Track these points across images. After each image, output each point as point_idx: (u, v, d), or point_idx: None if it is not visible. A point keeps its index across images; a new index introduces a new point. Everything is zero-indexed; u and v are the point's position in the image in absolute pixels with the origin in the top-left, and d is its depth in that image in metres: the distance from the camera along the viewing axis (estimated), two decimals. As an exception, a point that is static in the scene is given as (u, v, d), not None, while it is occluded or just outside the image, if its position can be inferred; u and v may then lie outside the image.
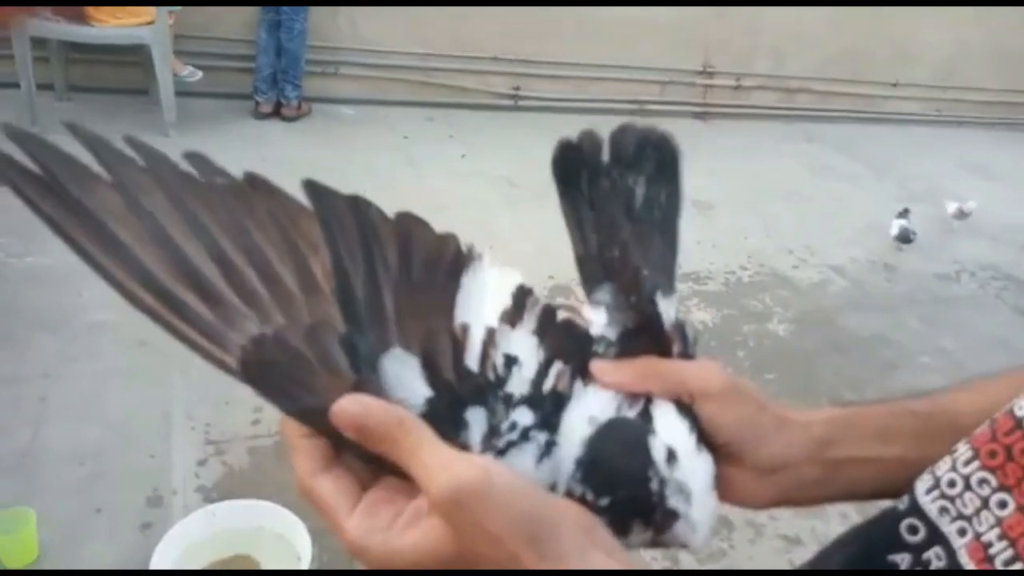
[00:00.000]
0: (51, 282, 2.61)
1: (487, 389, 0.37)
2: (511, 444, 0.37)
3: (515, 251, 3.23)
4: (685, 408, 0.42)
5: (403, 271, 0.38)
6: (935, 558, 0.41)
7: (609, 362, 0.43)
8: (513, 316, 0.40)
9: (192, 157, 0.38)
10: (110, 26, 3.57)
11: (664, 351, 0.44)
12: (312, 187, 0.39)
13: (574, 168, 0.48)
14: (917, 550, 0.41)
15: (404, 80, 4.61)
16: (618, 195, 0.47)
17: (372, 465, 0.36)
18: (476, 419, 0.36)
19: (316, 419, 0.35)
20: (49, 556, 1.71)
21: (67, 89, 3.95)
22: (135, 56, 3.92)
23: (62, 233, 0.34)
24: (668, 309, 0.44)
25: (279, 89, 4.15)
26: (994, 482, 0.40)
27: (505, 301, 0.40)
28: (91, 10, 3.51)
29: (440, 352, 0.37)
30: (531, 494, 0.35)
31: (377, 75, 4.55)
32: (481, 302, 0.39)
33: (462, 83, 4.71)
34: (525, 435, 0.37)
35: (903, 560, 0.42)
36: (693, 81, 5.18)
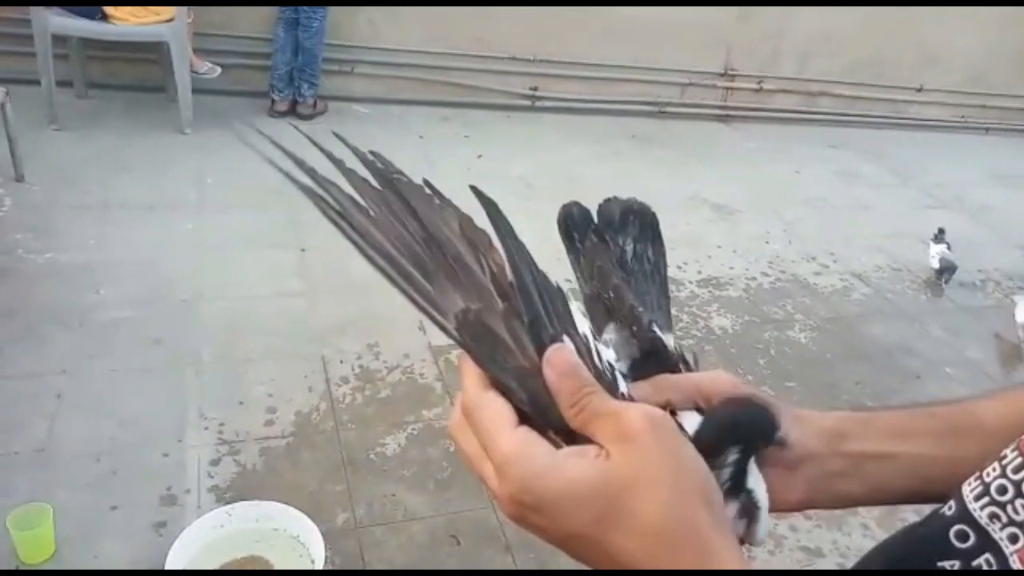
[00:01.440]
0: (69, 279, 2.61)
1: (611, 386, 0.41)
2: None
3: (532, 253, 3.20)
4: (705, 413, 0.45)
5: (544, 278, 0.44)
6: (985, 564, 0.40)
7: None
8: (602, 341, 0.46)
9: (376, 155, 0.47)
10: (130, 24, 3.58)
11: (672, 372, 0.48)
12: (479, 193, 0.45)
13: (571, 228, 0.57)
14: (967, 556, 0.41)
15: (420, 79, 4.59)
16: (610, 251, 0.56)
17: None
18: None
19: (509, 381, 0.40)
20: (64, 552, 1.71)
21: (86, 86, 3.97)
22: (153, 53, 3.94)
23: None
24: (668, 340, 0.50)
25: (295, 87, 4.15)
26: None
27: (586, 323, 0.45)
28: (111, 8, 3.53)
29: (586, 351, 0.42)
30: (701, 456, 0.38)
31: (393, 74, 4.54)
32: (580, 319, 0.44)
33: (479, 83, 4.69)
34: None
35: (953, 567, 0.42)
36: (714, 83, 5.13)
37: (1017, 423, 0.45)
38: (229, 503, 1.83)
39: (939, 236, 3.51)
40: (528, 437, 0.38)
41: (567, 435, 0.38)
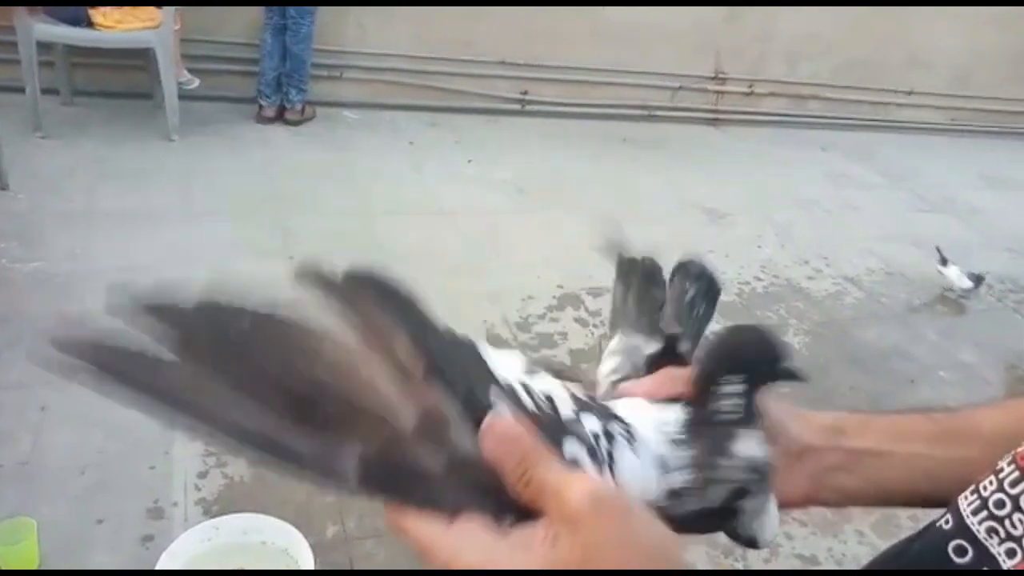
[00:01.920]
0: (54, 288, 2.58)
1: (555, 422, 0.39)
2: (610, 446, 0.40)
3: (523, 259, 3.19)
4: None
5: (448, 340, 0.40)
6: None
7: (632, 380, 0.48)
8: (529, 371, 0.43)
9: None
10: (116, 31, 3.55)
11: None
12: (367, 275, 0.39)
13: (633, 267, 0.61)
14: (965, 571, 0.42)
15: (410, 84, 4.57)
16: (674, 291, 0.59)
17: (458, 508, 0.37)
18: (572, 446, 0.39)
19: (431, 497, 0.36)
20: (50, 567, 1.68)
21: (72, 93, 3.93)
22: (139, 60, 3.90)
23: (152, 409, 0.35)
24: (684, 346, 0.52)
25: (283, 93, 4.12)
26: None
27: (515, 364, 0.42)
28: (97, 16, 3.49)
29: (513, 399, 0.39)
30: (655, 519, 0.36)
31: (381, 79, 4.52)
32: (498, 365, 0.41)
33: (469, 87, 4.68)
34: (609, 435, 0.40)
35: None
36: (704, 87, 5.13)
37: (1015, 432, 0.45)
38: (217, 516, 1.80)
39: (943, 258, 3.38)
40: (465, 534, 0.35)
41: (521, 511, 0.36)
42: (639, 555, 0.34)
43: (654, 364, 0.49)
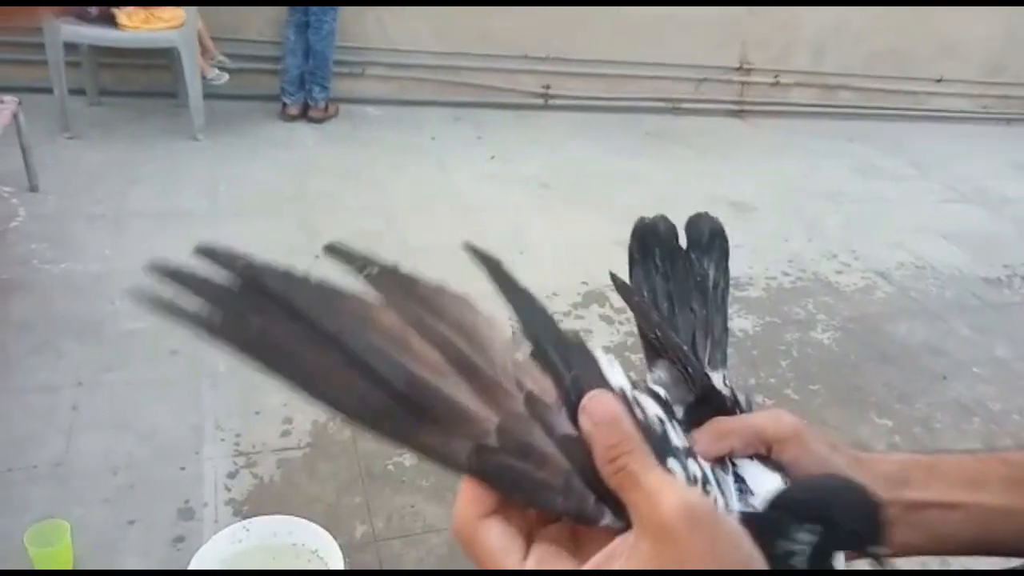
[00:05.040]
0: (84, 290, 2.60)
1: (664, 440, 0.38)
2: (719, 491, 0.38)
3: (548, 255, 3.16)
4: (767, 460, 0.42)
5: (559, 330, 0.39)
6: None
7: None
8: (634, 385, 0.41)
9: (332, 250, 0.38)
10: (141, 31, 3.58)
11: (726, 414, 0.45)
12: (477, 252, 0.40)
13: (652, 244, 0.53)
14: None
15: (432, 80, 4.56)
16: (694, 274, 0.52)
17: (534, 519, 0.37)
18: (675, 464, 0.37)
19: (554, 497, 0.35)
20: (83, 569, 1.69)
21: (98, 93, 3.97)
22: (164, 59, 3.93)
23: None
24: (716, 379, 0.46)
25: (306, 91, 4.13)
26: None
27: (619, 371, 0.40)
28: (122, 16, 3.52)
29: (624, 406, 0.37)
30: (745, 536, 0.34)
31: (404, 75, 4.51)
32: (611, 371, 0.40)
33: (491, 82, 4.65)
34: (717, 481, 0.39)
35: None
36: (730, 78, 5.06)
37: None
38: (246, 516, 1.81)
39: None
40: (543, 558, 0.34)
41: (603, 496, 0.35)
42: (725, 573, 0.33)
43: (694, 416, 0.44)
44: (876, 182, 4.40)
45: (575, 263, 3.08)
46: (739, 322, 2.90)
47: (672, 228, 0.54)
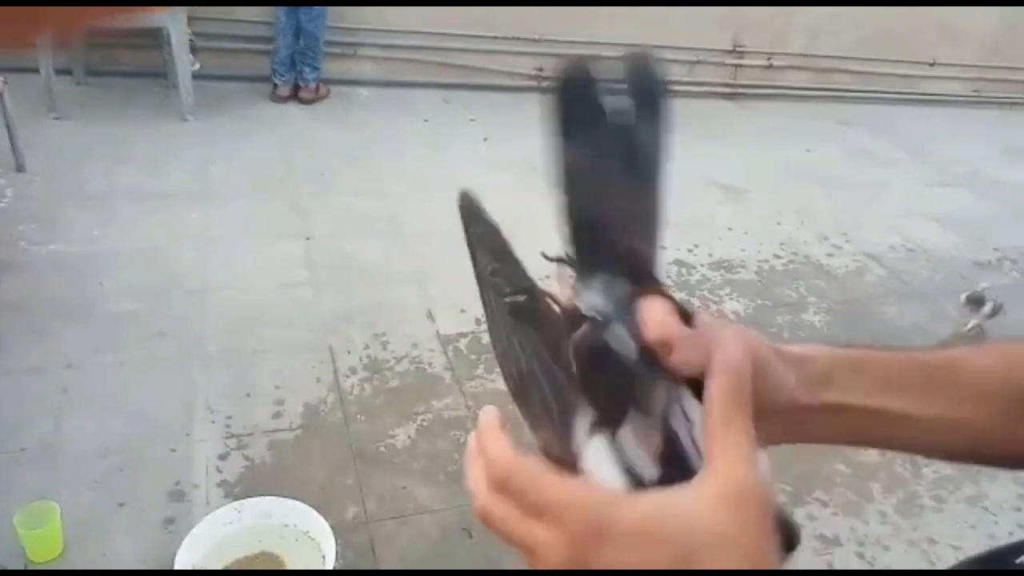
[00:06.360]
0: (72, 270, 2.58)
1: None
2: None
3: (541, 238, 3.14)
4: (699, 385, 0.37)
5: None
6: None
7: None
8: None
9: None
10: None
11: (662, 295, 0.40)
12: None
13: (577, 108, 0.40)
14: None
15: (424, 61, 4.52)
16: (619, 141, 0.39)
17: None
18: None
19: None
20: (73, 550, 1.69)
21: (85, 73, 3.92)
22: (152, 39, 3.88)
23: None
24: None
25: (297, 71, 4.09)
26: None
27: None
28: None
29: None
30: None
31: (396, 56, 4.47)
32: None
33: (484, 64, 4.62)
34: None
35: None
36: (723, 60, 5.04)
37: (1000, 376, 0.45)
38: (238, 498, 1.81)
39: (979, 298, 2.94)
40: (584, 481, 0.35)
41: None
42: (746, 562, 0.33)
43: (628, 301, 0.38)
44: (869, 165, 4.40)
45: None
46: (731, 304, 2.91)
47: (592, 81, 0.41)
